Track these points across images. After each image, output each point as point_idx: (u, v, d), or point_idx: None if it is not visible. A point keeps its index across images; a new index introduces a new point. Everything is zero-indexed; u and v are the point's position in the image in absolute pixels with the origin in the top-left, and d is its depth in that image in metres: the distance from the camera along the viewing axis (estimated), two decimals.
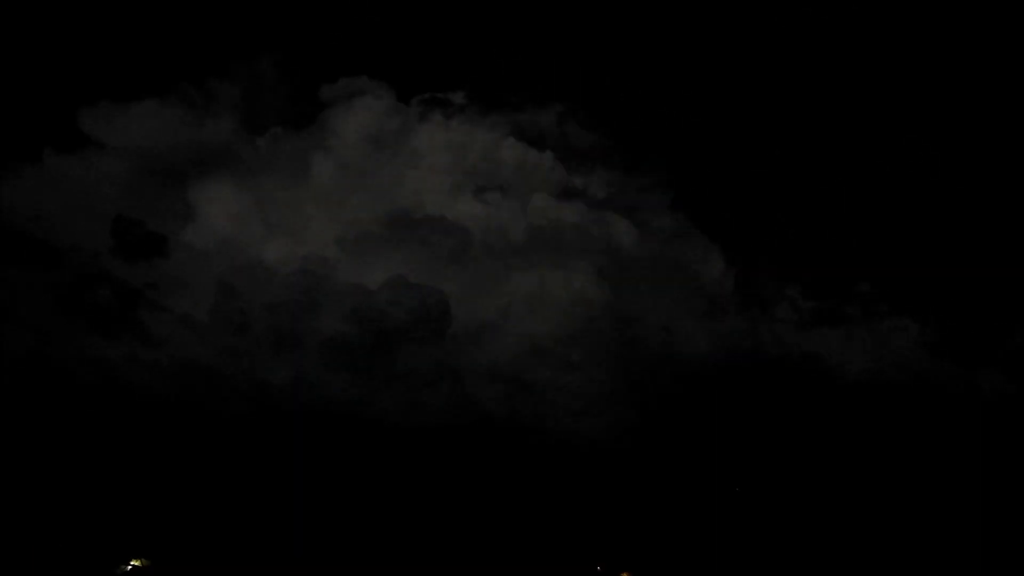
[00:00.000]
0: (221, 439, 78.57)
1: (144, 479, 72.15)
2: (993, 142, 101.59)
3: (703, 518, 78.08)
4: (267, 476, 77.36)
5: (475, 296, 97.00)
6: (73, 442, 71.05)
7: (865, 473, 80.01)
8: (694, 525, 77.41)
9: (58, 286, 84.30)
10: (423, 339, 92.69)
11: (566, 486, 79.95)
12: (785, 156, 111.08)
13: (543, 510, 77.79)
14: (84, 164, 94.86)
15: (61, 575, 62.88)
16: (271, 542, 73.48)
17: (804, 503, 78.32)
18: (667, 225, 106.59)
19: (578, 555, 76.81)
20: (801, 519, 77.17)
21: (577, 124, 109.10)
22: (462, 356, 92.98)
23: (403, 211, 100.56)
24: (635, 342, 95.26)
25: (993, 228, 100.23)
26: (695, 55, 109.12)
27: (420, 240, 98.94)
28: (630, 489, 79.86)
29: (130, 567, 67.80)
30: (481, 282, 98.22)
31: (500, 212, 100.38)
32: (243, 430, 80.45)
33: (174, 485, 72.92)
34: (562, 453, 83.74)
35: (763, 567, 74.51)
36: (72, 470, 69.41)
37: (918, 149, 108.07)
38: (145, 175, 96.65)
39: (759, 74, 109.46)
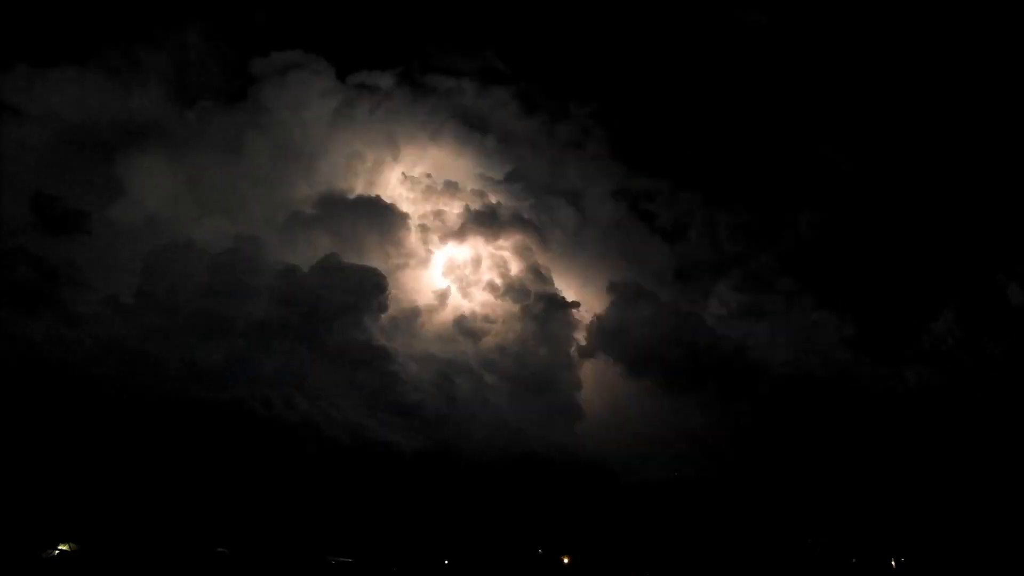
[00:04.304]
0: (149, 420, 75.93)
1: (68, 461, 69.00)
2: (910, 144, 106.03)
3: (640, 502, 79.30)
4: (195, 457, 75.15)
5: (411, 278, 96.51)
6: None
7: (793, 459, 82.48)
8: (631, 509, 78.52)
9: None
10: (357, 321, 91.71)
11: (503, 470, 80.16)
12: (719, 152, 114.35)
13: (482, 494, 77.78)
14: None
15: None
16: (200, 525, 71.44)
17: (736, 488, 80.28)
18: (608, 214, 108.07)
19: (518, 539, 77.15)
20: (732, 503, 79.06)
21: (521, 109, 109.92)
22: (397, 338, 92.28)
23: (338, 191, 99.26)
24: (572, 328, 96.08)
25: (911, 224, 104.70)
26: (640, 47, 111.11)
27: (355, 221, 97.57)
28: (568, 474, 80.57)
29: (57, 551, 64.91)
30: (417, 265, 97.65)
31: (438, 194, 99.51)
32: (172, 411, 77.85)
33: (101, 468, 69.97)
34: (499, 437, 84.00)
35: (697, 548, 76.06)
36: None
37: (841, 149, 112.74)
38: (66, 146, 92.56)
39: (701, 73, 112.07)
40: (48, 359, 77.70)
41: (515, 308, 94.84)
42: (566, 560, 77.67)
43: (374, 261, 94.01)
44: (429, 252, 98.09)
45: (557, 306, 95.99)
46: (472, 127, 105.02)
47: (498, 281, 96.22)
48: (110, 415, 73.52)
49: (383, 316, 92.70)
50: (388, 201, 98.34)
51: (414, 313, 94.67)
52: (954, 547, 74.50)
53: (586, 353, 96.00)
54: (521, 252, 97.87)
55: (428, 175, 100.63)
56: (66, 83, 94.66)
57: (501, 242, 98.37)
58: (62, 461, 68.52)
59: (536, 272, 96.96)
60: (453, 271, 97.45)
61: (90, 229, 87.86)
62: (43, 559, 63.73)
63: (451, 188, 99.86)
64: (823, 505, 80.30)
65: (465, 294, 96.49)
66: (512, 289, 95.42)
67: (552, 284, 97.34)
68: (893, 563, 77.71)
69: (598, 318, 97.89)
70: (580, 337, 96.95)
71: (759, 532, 78.12)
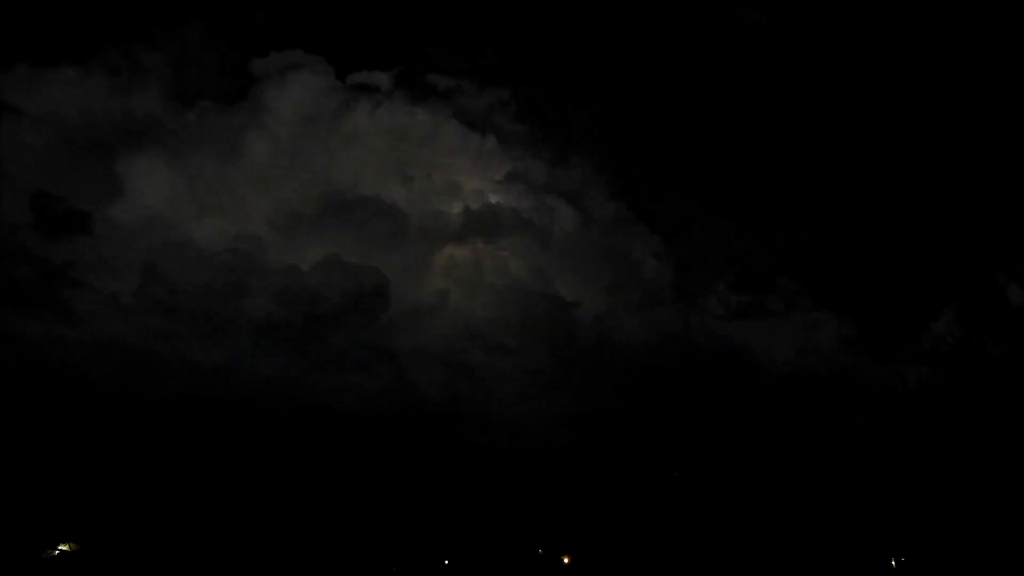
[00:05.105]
0: (148, 421, 75.97)
1: (68, 462, 69.02)
2: (910, 144, 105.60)
3: (640, 502, 79.23)
4: (196, 459, 75.18)
5: (411, 279, 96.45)
6: None
7: (792, 458, 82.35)
8: (631, 509, 78.48)
9: None
10: (358, 321, 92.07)
11: (504, 470, 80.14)
12: (719, 151, 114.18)
13: (482, 494, 77.83)
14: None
15: None
16: (201, 525, 71.40)
17: (736, 488, 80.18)
18: (608, 214, 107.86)
19: (518, 539, 77.14)
20: (733, 503, 78.98)
21: (521, 109, 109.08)
22: (398, 338, 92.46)
23: (338, 191, 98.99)
24: (571, 329, 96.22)
25: (910, 224, 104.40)
26: (640, 46, 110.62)
27: (355, 221, 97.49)
28: (567, 474, 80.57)
29: (57, 551, 65.01)
30: (418, 265, 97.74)
31: (438, 194, 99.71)
32: (172, 412, 77.89)
33: (100, 468, 70.03)
34: (499, 437, 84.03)
35: (697, 548, 76.00)
36: None
37: (840, 150, 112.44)
38: (66, 146, 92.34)
39: (700, 73, 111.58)
40: (48, 359, 78.00)
41: (515, 308, 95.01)
42: (566, 560, 77.68)
43: (375, 261, 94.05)
44: (429, 252, 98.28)
45: (557, 306, 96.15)
46: (472, 127, 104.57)
47: (498, 281, 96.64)
48: (110, 415, 73.81)
49: (384, 316, 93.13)
50: (388, 201, 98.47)
51: (415, 313, 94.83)
52: (954, 547, 74.38)
53: (585, 353, 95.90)
54: (521, 252, 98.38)
55: (428, 175, 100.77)
56: (66, 83, 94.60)
57: (501, 242, 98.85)
58: (62, 461, 68.71)
59: (536, 272, 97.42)
60: (453, 271, 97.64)
61: (91, 229, 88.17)
62: (43, 559, 63.88)
63: (451, 188, 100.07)
64: (823, 505, 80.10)
65: (465, 294, 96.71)
66: (512, 289, 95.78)
67: (552, 284, 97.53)
68: (893, 563, 77.68)
69: (598, 318, 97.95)
70: (580, 337, 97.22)
71: (759, 531, 77.97)
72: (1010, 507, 73.55)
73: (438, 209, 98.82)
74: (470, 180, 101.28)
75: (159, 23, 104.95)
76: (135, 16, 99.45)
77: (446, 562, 75.78)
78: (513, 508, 77.09)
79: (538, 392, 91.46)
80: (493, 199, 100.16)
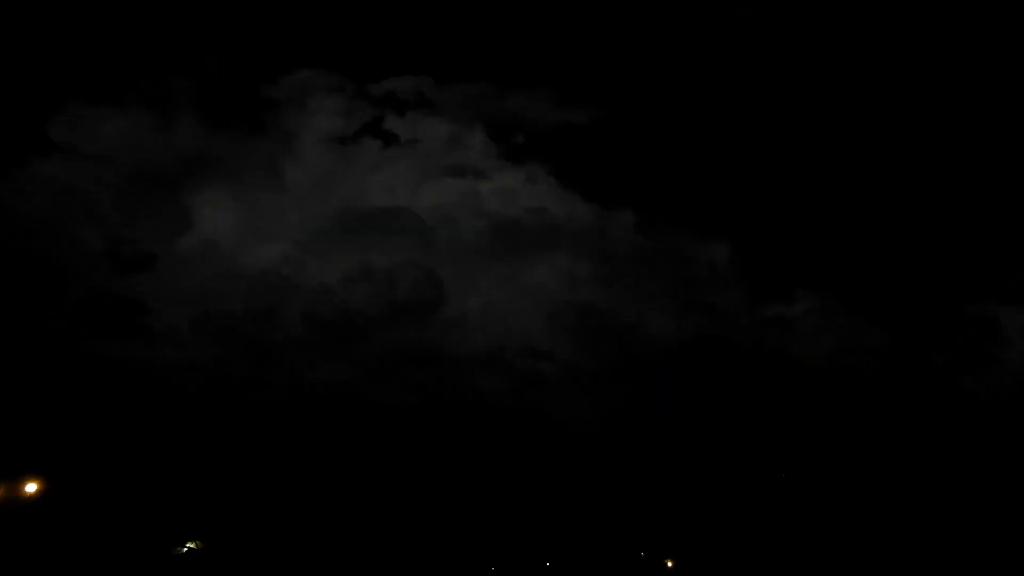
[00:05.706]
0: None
1: (170, 470, 67.66)
2: (910, 143, 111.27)
3: (747, 506, 78.95)
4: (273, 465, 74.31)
5: (450, 287, 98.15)
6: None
7: (831, 458, 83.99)
8: (738, 513, 77.99)
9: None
10: (404, 327, 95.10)
11: (561, 472, 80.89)
12: (719, 152, 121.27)
13: (584, 497, 78.64)
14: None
15: (122, 557, 57.69)
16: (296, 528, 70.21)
17: (847, 492, 79.22)
18: (616, 217, 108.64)
19: (620, 541, 77.56)
20: (844, 507, 77.58)
21: (549, 111, 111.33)
22: (443, 343, 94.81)
23: (370, 204, 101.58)
24: (614, 331, 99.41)
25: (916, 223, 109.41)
26: (642, 47, 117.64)
27: (387, 232, 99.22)
28: (673, 478, 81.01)
29: (185, 549, 63.44)
30: (454, 273, 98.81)
31: (460, 202, 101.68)
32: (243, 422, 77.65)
33: (198, 474, 68.89)
34: (548, 439, 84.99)
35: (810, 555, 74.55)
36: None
37: (840, 149, 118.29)
38: (114, 182, 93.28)
39: (702, 73, 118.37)
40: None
41: (538, 310, 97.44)
42: (669, 564, 77.99)
43: (410, 271, 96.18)
44: (464, 259, 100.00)
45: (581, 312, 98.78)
46: (491, 136, 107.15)
47: (533, 288, 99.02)
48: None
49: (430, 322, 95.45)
50: (415, 211, 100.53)
51: (462, 320, 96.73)
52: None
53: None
54: (558, 258, 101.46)
55: (449, 184, 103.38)
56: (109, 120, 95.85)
57: (536, 249, 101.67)
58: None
59: (554, 273, 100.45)
60: (488, 278, 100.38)
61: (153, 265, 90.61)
62: (173, 556, 62.62)
63: (471, 196, 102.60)
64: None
65: (486, 295, 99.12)
66: (530, 291, 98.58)
67: (569, 287, 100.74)
68: None
69: (602, 316, 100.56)
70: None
71: (875, 537, 75.94)
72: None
73: (459, 215, 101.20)
74: (501, 187, 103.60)
75: (185, 52, 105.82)
76: (161, 48, 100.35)
77: (547, 564, 76.04)
78: (615, 511, 78.13)
79: (580, 392, 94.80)
80: (511, 204, 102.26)
